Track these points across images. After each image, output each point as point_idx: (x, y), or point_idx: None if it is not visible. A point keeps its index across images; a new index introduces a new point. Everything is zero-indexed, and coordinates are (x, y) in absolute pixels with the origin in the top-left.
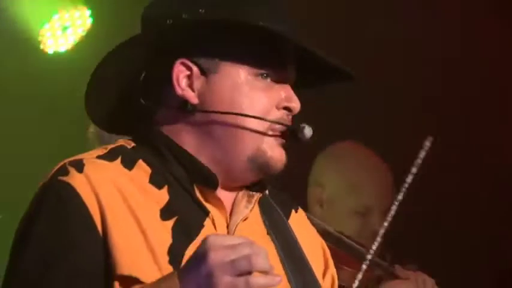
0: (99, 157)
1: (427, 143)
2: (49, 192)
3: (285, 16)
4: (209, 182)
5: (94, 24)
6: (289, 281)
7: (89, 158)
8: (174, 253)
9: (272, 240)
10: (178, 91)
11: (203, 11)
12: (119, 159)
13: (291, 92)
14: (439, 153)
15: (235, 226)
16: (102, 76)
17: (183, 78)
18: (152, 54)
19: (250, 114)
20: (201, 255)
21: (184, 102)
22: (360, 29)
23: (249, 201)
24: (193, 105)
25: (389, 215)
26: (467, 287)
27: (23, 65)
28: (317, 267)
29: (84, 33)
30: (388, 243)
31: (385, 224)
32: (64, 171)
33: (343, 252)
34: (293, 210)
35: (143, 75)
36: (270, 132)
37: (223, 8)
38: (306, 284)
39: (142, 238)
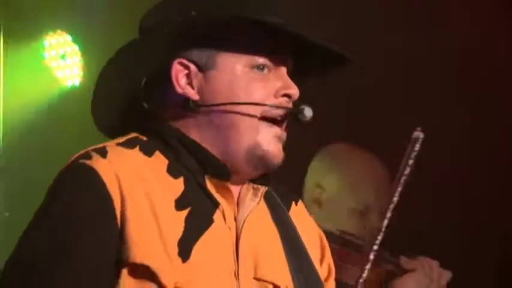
0: (118, 144)
1: (420, 136)
2: (72, 173)
3: (275, 7)
4: (222, 173)
5: (83, 51)
6: (290, 270)
7: (110, 145)
8: (183, 246)
9: (277, 231)
10: (179, 90)
11: (195, 13)
12: (138, 147)
13: (288, 80)
14: (446, 145)
15: (243, 220)
16: (105, 85)
17: (182, 77)
18: (152, 59)
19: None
20: None
21: (186, 100)
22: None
23: (255, 194)
24: (195, 102)
25: (390, 209)
26: (470, 278)
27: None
28: (314, 256)
29: (82, 61)
30: (390, 235)
31: (387, 218)
32: (87, 156)
33: (346, 250)
34: (293, 203)
35: (144, 80)
36: (269, 114)
37: (213, 8)
38: (305, 272)
39: (156, 227)
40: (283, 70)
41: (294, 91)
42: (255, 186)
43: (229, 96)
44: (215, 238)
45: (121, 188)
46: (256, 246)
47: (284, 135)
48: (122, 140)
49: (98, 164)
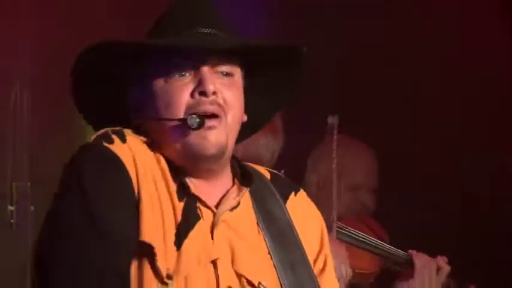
0: (133, 131)
1: (334, 122)
2: (95, 153)
3: (198, 12)
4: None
5: None
6: (277, 271)
7: (126, 129)
8: (178, 238)
9: (262, 229)
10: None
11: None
12: (147, 137)
13: (202, 78)
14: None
15: (220, 215)
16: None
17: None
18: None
19: (165, 116)
20: None
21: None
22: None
23: (238, 194)
24: (140, 123)
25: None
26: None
27: None
28: (311, 248)
29: None
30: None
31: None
32: (108, 139)
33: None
34: (292, 194)
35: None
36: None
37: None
38: (295, 272)
39: (160, 214)
40: (202, 70)
41: (206, 88)
42: (240, 187)
43: (156, 111)
44: (200, 232)
45: (137, 172)
46: (233, 242)
47: (209, 130)
48: (133, 128)
49: (119, 149)
